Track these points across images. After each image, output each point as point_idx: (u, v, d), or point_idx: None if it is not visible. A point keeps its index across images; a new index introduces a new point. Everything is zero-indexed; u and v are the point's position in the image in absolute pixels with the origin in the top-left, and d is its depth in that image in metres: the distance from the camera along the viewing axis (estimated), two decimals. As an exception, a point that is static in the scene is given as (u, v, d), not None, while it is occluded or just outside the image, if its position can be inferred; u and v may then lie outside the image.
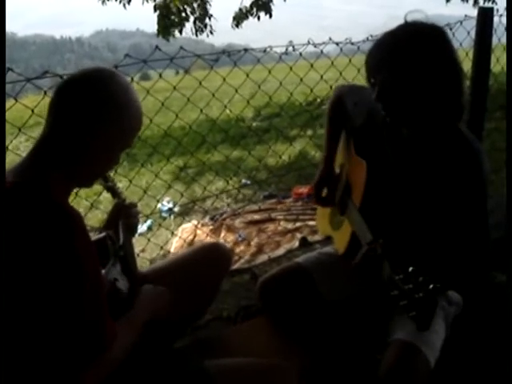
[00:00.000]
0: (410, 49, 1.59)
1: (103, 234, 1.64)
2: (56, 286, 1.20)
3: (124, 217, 1.76)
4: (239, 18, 9.16)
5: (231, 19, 9.18)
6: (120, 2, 8.60)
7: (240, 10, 9.09)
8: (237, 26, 9.25)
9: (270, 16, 9.08)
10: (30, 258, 1.19)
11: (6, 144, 2.29)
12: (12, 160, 1.37)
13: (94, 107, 1.33)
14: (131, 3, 8.61)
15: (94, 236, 1.63)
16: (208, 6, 8.84)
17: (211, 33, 9.04)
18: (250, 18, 9.09)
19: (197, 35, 9.09)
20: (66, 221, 1.22)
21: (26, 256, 1.19)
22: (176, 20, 8.73)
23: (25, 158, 1.35)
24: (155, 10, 8.69)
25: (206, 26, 9.01)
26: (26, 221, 1.21)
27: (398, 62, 1.60)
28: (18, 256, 1.19)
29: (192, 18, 8.85)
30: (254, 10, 8.97)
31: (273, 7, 9.05)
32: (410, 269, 1.38)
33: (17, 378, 1.26)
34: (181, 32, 8.89)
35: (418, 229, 1.74)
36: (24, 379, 1.27)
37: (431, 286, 1.33)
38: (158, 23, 8.73)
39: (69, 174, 1.35)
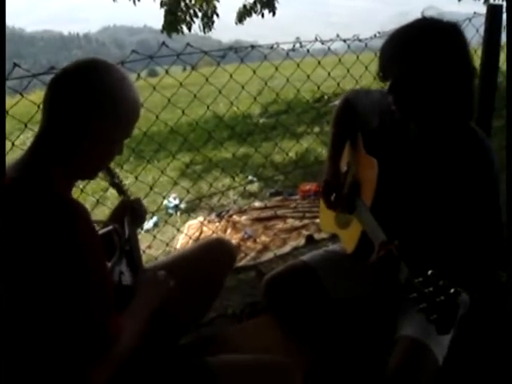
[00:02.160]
0: (424, 43, 1.59)
1: (110, 228, 1.64)
2: (60, 279, 1.19)
3: (130, 212, 1.76)
4: (242, 14, 9.15)
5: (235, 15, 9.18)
6: None
7: (244, 6, 9.08)
8: (240, 21, 9.24)
9: (274, 14, 9.06)
10: (33, 251, 1.19)
11: (13, 140, 2.30)
12: (19, 156, 1.37)
13: (89, 100, 1.31)
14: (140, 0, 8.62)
15: (100, 229, 1.63)
16: (216, 3, 8.82)
17: (210, 29, 9.03)
18: (255, 14, 9.08)
19: (204, 32, 9.09)
20: (68, 213, 1.21)
21: (30, 250, 1.19)
22: (183, 17, 8.72)
23: (24, 155, 1.34)
24: (162, 6, 8.68)
25: (213, 22, 9.00)
26: (28, 215, 1.21)
27: (412, 56, 1.59)
28: (22, 250, 1.19)
29: (200, 15, 8.85)
30: (258, 7, 8.96)
31: (279, 4, 9.03)
32: (430, 272, 1.36)
33: (23, 375, 1.26)
34: (190, 29, 8.88)
35: (431, 227, 1.73)
36: (30, 375, 1.27)
37: (452, 290, 1.32)
38: (165, 19, 8.72)
39: (69, 168, 1.34)
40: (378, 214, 1.77)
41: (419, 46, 1.59)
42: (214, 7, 8.77)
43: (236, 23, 9.26)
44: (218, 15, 8.86)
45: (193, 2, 8.64)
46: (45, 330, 1.23)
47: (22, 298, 1.20)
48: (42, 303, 1.20)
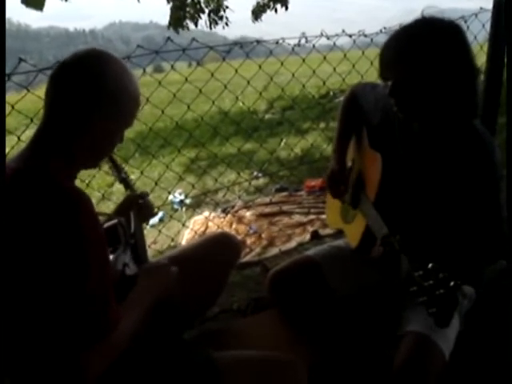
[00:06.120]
0: (426, 44, 1.57)
1: (115, 221, 1.64)
2: (61, 265, 1.19)
3: (136, 207, 1.76)
4: (257, 11, 9.20)
5: (249, 13, 9.25)
6: None
7: (257, 3, 9.13)
8: (256, 19, 9.32)
9: (286, 8, 9.13)
10: (36, 239, 1.19)
11: (19, 135, 2.31)
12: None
13: (90, 92, 1.32)
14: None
15: (105, 222, 1.63)
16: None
17: (227, 24, 9.09)
18: (269, 10, 9.14)
19: (211, 28, 9.12)
20: (70, 200, 1.22)
21: (33, 238, 1.19)
22: (191, 12, 8.75)
23: (25, 147, 1.34)
24: (168, 2, 8.70)
25: (221, 18, 9.04)
26: (30, 204, 1.21)
27: (413, 57, 1.58)
28: (25, 239, 1.19)
29: (207, 11, 8.89)
30: (271, 3, 9.02)
31: (287, -1, 9.10)
32: (430, 265, 1.37)
33: (20, 361, 1.28)
34: (196, 25, 8.92)
35: (433, 222, 1.73)
36: (27, 362, 1.28)
37: (452, 283, 1.32)
38: (171, 15, 8.74)
39: (71, 158, 1.34)
40: (382, 208, 1.78)
41: (417, 49, 1.57)
42: (221, 2, 8.81)
43: (253, 21, 9.35)
44: (224, 10, 8.90)
45: None
46: (44, 316, 1.23)
47: (24, 285, 1.21)
48: (42, 290, 1.21)
